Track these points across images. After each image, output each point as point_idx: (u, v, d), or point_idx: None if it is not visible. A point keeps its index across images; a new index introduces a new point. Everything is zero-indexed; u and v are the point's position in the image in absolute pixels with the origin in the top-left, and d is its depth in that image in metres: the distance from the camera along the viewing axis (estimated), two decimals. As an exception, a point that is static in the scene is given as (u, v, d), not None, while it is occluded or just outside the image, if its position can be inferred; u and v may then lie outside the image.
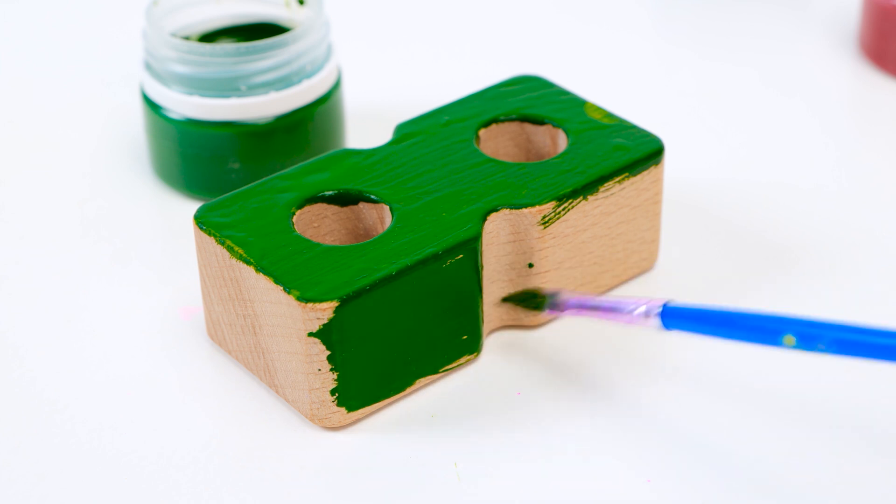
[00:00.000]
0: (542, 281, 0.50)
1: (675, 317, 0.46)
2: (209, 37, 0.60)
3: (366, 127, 0.62)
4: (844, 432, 0.47)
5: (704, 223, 0.57)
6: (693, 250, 0.55)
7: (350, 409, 0.47)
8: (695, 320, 0.46)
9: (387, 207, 0.49)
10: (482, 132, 0.54)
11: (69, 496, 0.46)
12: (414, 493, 0.46)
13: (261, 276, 0.47)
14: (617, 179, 0.51)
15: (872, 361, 0.42)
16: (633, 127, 0.53)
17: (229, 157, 0.57)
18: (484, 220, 0.49)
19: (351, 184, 0.50)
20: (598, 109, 0.54)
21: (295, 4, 0.60)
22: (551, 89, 0.55)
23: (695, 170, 0.60)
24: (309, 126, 0.58)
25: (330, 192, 0.50)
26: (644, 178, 0.52)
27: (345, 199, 0.50)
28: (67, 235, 0.57)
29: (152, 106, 0.58)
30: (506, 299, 0.50)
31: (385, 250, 0.47)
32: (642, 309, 0.47)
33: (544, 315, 0.51)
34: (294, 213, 0.49)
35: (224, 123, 0.57)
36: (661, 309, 0.47)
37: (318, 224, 0.51)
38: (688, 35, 0.71)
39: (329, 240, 0.51)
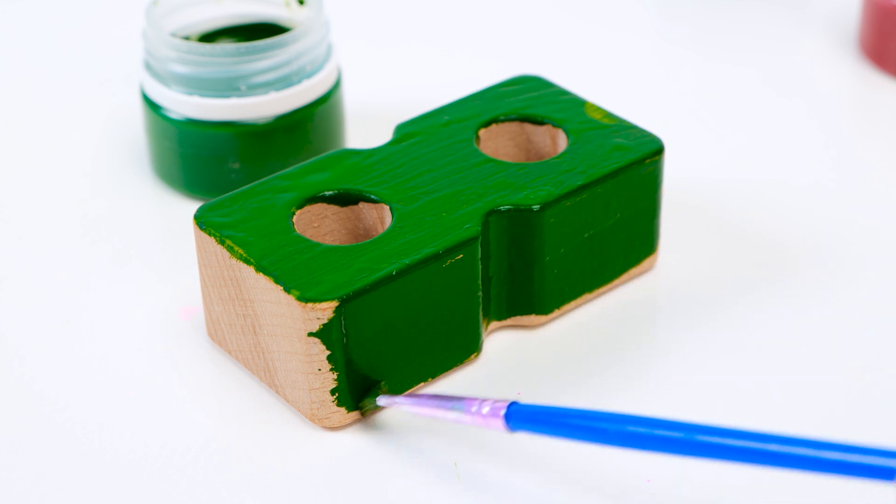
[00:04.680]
0: (542, 281, 0.50)
1: (522, 418, 0.44)
2: (209, 37, 0.60)
3: (366, 127, 0.62)
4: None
5: (704, 223, 0.57)
6: (693, 250, 0.55)
7: (350, 409, 0.47)
8: (541, 422, 0.43)
9: (387, 207, 0.49)
10: (482, 132, 0.54)
11: (69, 496, 0.46)
12: (414, 493, 0.46)
13: (261, 275, 0.47)
14: (617, 179, 0.51)
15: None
16: (633, 127, 0.53)
17: (229, 157, 0.57)
18: (484, 220, 0.49)
19: (351, 184, 0.50)
20: (598, 109, 0.54)
21: (295, 4, 0.60)
22: (551, 89, 0.55)
23: (695, 170, 0.60)
24: (309, 126, 0.58)
25: (330, 192, 0.50)
26: (644, 179, 0.52)
27: (345, 199, 0.50)
28: (67, 235, 0.57)
29: (152, 106, 0.58)
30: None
31: (385, 250, 0.47)
32: (486, 409, 0.45)
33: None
34: (294, 213, 0.49)
35: (224, 123, 0.57)
36: (505, 410, 0.44)
37: (318, 224, 0.51)
38: (688, 35, 0.71)
39: (329, 240, 0.51)
